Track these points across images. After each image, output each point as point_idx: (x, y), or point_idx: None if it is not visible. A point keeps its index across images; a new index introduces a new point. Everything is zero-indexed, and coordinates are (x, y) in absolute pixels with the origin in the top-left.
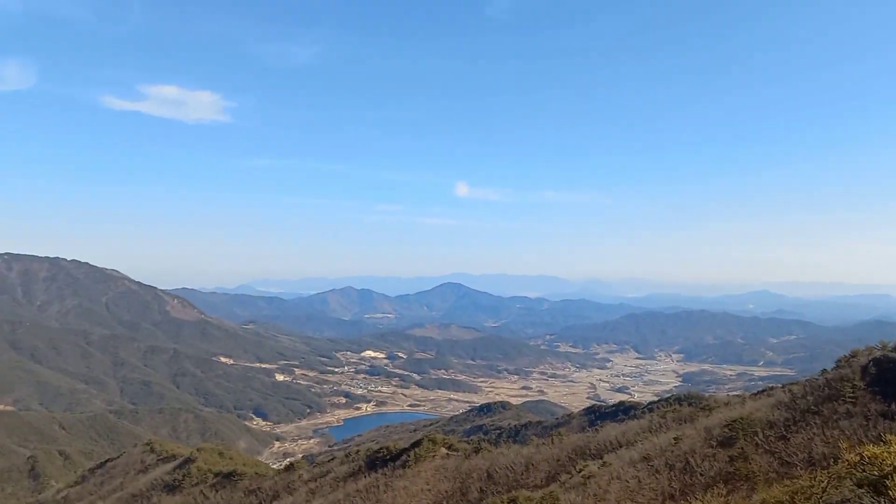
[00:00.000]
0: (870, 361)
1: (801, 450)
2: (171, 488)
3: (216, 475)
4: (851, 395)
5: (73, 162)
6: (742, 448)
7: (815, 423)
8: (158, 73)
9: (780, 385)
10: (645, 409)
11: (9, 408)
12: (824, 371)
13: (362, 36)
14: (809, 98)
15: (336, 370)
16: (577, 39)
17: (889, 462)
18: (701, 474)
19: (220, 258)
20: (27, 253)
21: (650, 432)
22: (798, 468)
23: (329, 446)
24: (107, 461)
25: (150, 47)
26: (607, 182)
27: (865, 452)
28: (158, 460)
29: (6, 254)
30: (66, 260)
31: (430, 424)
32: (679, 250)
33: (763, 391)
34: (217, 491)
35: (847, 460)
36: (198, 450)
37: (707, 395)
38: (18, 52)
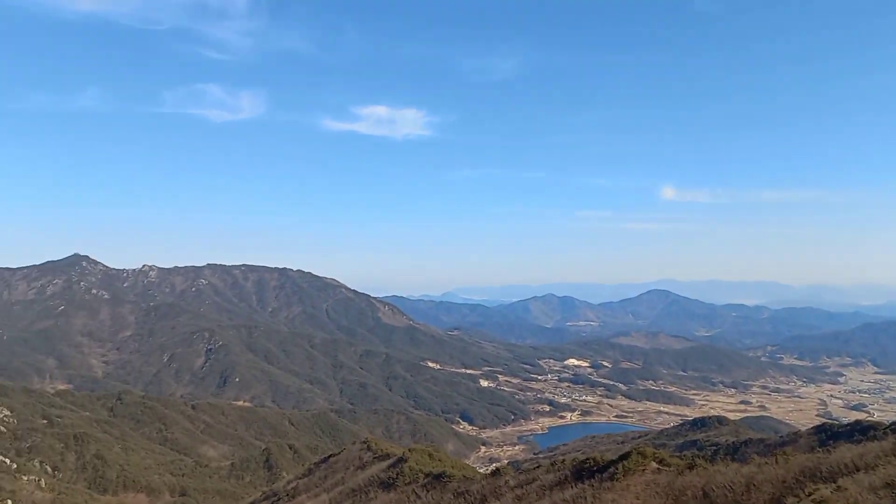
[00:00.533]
0: None
1: None
2: (387, 485)
3: (427, 475)
4: None
5: (298, 182)
6: None
7: None
8: (370, 95)
9: None
10: (887, 430)
11: (247, 404)
12: None
13: (562, 44)
14: None
15: (539, 378)
16: (797, 23)
17: None
18: None
19: (426, 266)
20: (260, 264)
21: (894, 456)
22: None
23: (534, 453)
24: (329, 456)
25: (361, 71)
26: (837, 178)
27: None
28: (374, 458)
29: (244, 265)
30: (292, 270)
31: (639, 437)
32: None
33: None
34: (428, 491)
35: None
36: (410, 450)
37: None
38: (251, 84)
